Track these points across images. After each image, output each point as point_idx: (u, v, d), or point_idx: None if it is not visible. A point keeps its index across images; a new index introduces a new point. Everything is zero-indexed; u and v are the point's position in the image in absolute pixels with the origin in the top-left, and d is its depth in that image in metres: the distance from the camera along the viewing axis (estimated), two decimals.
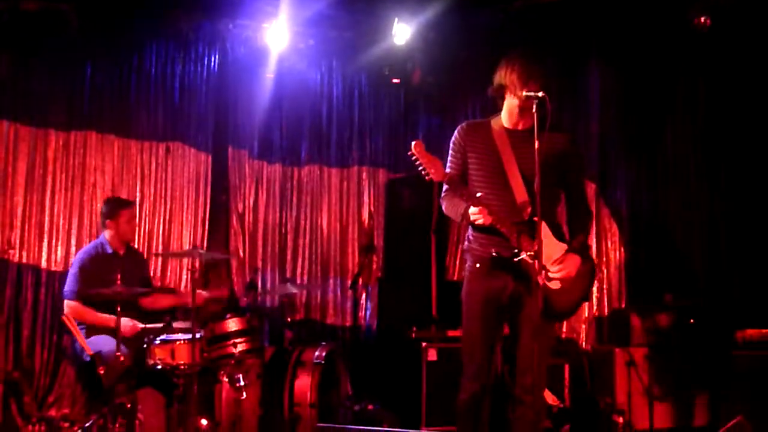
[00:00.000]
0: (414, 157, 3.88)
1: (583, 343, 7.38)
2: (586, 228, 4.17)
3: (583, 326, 7.51)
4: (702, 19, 6.55)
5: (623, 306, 7.47)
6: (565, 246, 4.00)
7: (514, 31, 7.14)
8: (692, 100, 7.61)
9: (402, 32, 6.91)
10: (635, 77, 7.60)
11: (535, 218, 3.85)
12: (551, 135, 3.89)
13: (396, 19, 6.86)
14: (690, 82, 7.57)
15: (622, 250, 7.70)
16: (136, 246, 6.71)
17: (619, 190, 7.74)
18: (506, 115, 4.12)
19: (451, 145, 4.20)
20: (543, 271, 3.86)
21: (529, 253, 3.85)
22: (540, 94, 3.95)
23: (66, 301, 5.71)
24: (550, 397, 5.87)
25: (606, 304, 7.59)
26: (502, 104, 4.14)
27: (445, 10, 6.70)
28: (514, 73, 4.02)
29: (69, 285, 5.76)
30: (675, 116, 7.66)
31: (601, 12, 7.02)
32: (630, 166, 7.72)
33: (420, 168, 3.88)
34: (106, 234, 5.92)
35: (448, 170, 4.07)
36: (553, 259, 3.93)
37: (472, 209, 3.89)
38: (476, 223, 3.91)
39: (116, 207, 5.95)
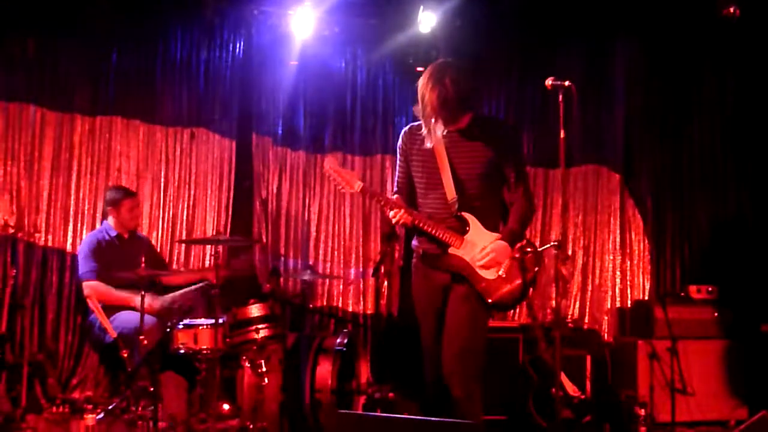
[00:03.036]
0: (329, 173, 4.10)
1: (605, 335, 7.36)
2: (519, 216, 4.09)
3: (606, 318, 7.50)
4: (731, 9, 6.49)
5: (646, 298, 7.45)
6: (496, 236, 4.03)
7: (539, 17, 7.12)
8: (720, 90, 7.56)
9: (427, 20, 6.88)
10: (662, 65, 7.56)
11: (461, 213, 4.02)
12: (488, 124, 4.09)
13: (421, 7, 6.84)
14: (718, 72, 7.52)
15: (646, 241, 7.66)
16: (159, 232, 6.79)
17: (643, 180, 7.70)
18: None
19: (397, 150, 4.30)
20: (474, 262, 3.99)
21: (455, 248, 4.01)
22: (566, 83, 3.96)
23: (84, 282, 5.76)
24: (570, 388, 5.87)
25: (629, 295, 7.58)
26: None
27: None
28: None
29: (84, 266, 5.81)
30: (702, 106, 7.61)
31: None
32: (655, 156, 7.68)
33: (335, 182, 4.11)
34: (109, 221, 6.00)
35: (397, 176, 4.31)
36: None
37: (390, 213, 4.01)
38: (398, 224, 4.02)
39: (118, 196, 6.02)
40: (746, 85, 7.40)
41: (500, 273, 4.00)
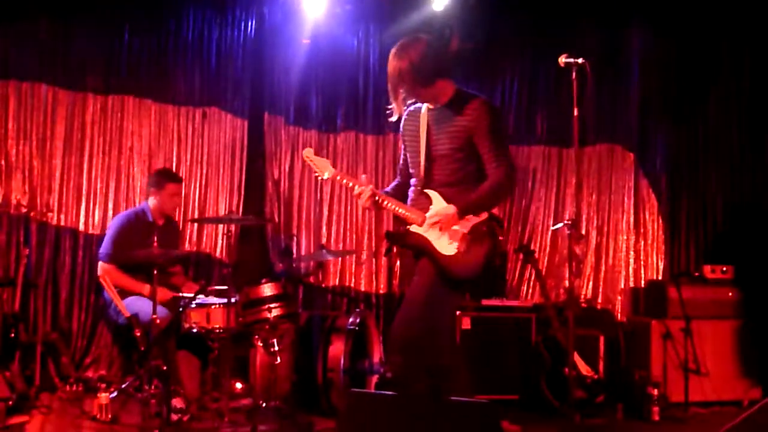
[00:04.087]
0: (306, 160, 4.23)
1: (619, 315, 7.35)
2: (482, 190, 3.97)
3: (619, 297, 7.49)
4: None
5: (660, 278, 7.42)
6: (450, 205, 3.97)
7: None
8: (737, 69, 7.49)
9: None
10: (678, 44, 7.50)
11: (425, 190, 4.03)
12: (464, 100, 4.02)
13: None
14: (735, 51, 7.44)
15: (661, 221, 7.63)
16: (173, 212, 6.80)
17: (658, 160, 7.65)
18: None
19: None
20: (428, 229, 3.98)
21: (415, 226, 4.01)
22: (579, 60, 3.93)
23: (100, 263, 5.80)
24: (583, 368, 5.86)
25: (642, 275, 7.56)
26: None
27: None
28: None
29: (104, 247, 5.85)
30: (718, 86, 7.54)
31: None
32: (670, 136, 7.63)
33: (314, 171, 4.22)
34: (150, 202, 5.99)
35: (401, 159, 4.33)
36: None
37: (355, 193, 4.10)
38: (363, 206, 4.11)
39: (164, 179, 6.02)
40: (763, 66, 7.32)
41: (459, 248, 3.94)
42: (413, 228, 4.04)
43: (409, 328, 3.96)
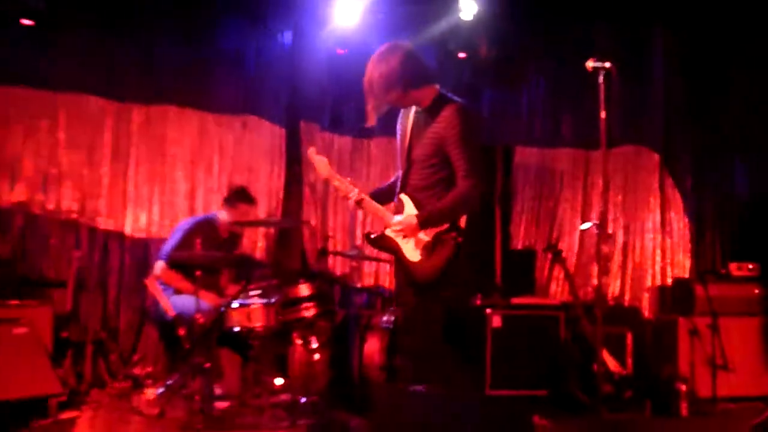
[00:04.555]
0: (310, 159, 4.19)
1: (646, 312, 7.28)
2: (445, 201, 3.84)
3: (646, 295, 7.42)
4: None
5: (687, 276, 7.33)
6: (415, 213, 3.88)
7: (577, 3, 7.01)
8: (759, 70, 7.36)
9: (468, 7, 6.81)
10: (699, 45, 7.41)
11: (399, 195, 3.96)
12: (440, 105, 3.90)
13: None
14: (757, 53, 7.32)
15: (686, 220, 7.55)
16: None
17: (683, 160, 7.58)
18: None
19: None
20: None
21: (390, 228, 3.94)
22: (606, 64, 3.89)
23: (158, 262, 5.81)
24: (612, 364, 5.80)
25: (669, 273, 7.47)
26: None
27: None
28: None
29: (166, 248, 5.86)
30: (741, 87, 7.44)
31: None
32: (694, 137, 7.56)
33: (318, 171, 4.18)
34: (220, 214, 5.95)
35: None
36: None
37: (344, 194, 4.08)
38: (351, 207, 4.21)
39: (238, 199, 5.97)
40: None
41: (421, 255, 3.86)
42: (387, 231, 3.97)
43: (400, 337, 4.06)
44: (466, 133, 3.81)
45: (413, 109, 4.05)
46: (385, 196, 4.14)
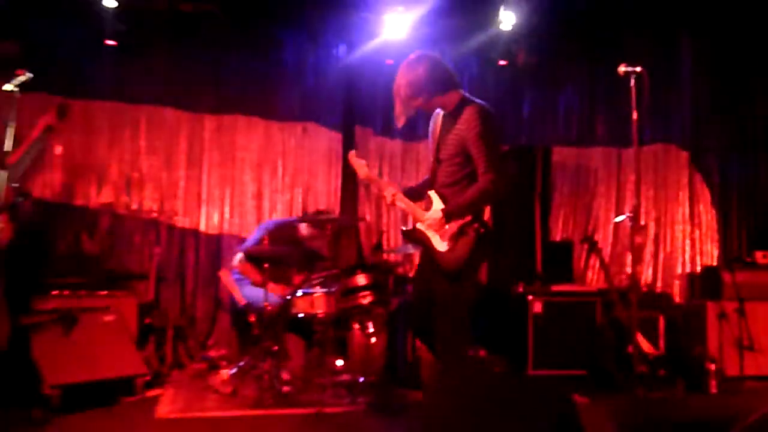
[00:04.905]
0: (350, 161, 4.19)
1: (677, 298, 7.18)
2: (466, 196, 3.85)
3: (677, 282, 7.32)
4: None
5: (715, 263, 7.21)
6: (441, 208, 3.91)
7: (608, 12, 6.92)
8: None
9: (507, 18, 6.78)
10: (725, 49, 7.27)
11: (428, 192, 3.97)
12: (463, 107, 3.88)
13: (502, 7, 6.74)
14: None
15: (714, 212, 7.43)
16: (278, 213, 6.91)
17: (710, 156, 7.46)
18: None
19: None
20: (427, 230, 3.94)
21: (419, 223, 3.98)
22: (638, 69, 3.85)
23: (239, 254, 5.88)
24: (646, 346, 5.74)
25: (698, 261, 7.36)
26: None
27: None
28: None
29: (247, 242, 5.95)
30: (765, 83, 7.27)
31: None
32: (721, 134, 7.42)
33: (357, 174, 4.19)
34: (302, 227, 5.95)
35: None
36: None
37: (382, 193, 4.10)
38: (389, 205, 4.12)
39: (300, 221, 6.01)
40: None
41: (448, 246, 3.89)
42: (418, 225, 4.01)
43: (423, 319, 4.01)
44: (485, 132, 3.80)
45: (441, 113, 4.05)
46: (417, 193, 4.15)
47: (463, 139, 3.85)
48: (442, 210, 3.88)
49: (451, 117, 3.95)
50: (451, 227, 3.88)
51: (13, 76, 3.38)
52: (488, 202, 3.93)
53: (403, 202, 4.04)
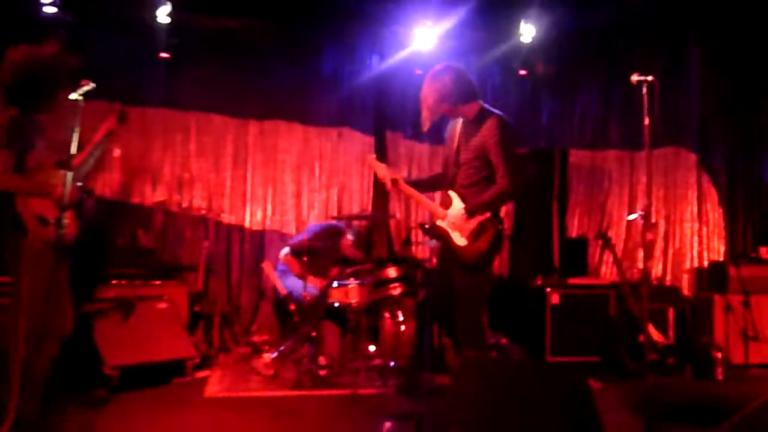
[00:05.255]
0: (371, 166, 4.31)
1: (685, 291, 7.09)
2: (487, 195, 3.92)
3: (685, 276, 7.22)
4: None
5: (721, 259, 7.11)
6: (463, 206, 3.97)
7: (621, 25, 6.85)
8: None
9: (527, 31, 6.74)
10: (731, 58, 7.15)
11: (448, 191, 4.02)
12: (483, 116, 3.95)
13: (522, 20, 6.70)
14: None
15: (721, 210, 7.32)
16: (316, 210, 6.93)
17: (717, 158, 7.35)
18: None
19: None
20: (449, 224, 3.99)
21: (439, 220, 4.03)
22: (649, 78, 3.81)
23: (285, 249, 5.91)
24: (656, 335, 5.68)
25: (705, 257, 7.26)
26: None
27: (564, 11, 6.49)
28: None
29: (293, 239, 5.99)
30: None
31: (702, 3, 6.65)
32: (727, 137, 7.31)
33: (376, 174, 4.27)
34: (349, 234, 5.96)
35: None
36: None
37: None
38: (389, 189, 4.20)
39: (342, 228, 5.99)
40: None
41: (467, 240, 3.94)
42: (438, 222, 4.07)
43: (443, 311, 4.08)
44: (504, 141, 3.87)
45: (460, 121, 4.09)
46: (424, 184, 4.28)
47: (483, 146, 3.92)
48: (464, 207, 3.94)
49: (472, 125, 3.99)
50: (471, 223, 3.94)
51: (78, 86, 3.42)
52: (505, 202, 4.03)
53: (404, 188, 4.14)
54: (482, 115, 3.98)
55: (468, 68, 7.19)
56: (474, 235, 3.93)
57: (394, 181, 4.13)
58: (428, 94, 3.99)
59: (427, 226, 4.18)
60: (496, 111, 3.99)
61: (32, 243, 3.84)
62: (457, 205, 3.99)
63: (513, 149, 3.95)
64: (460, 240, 3.97)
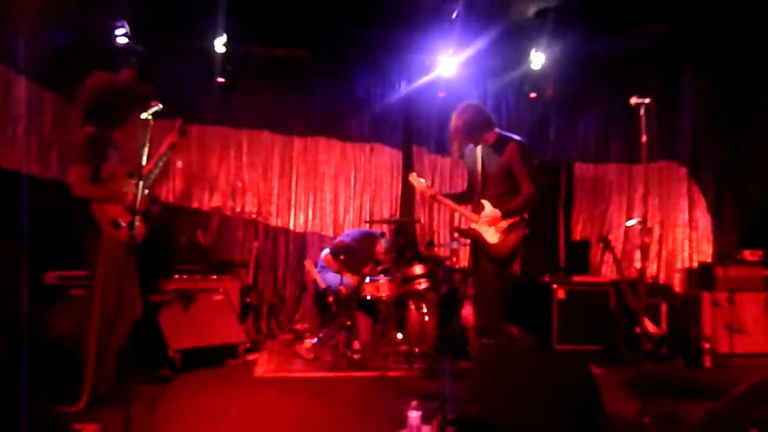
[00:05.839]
0: (410, 181, 4.53)
1: (677, 288, 6.98)
2: (515, 202, 4.19)
3: (677, 275, 7.11)
4: None
5: (709, 260, 6.99)
6: (497, 210, 4.19)
7: (622, 52, 6.77)
8: None
9: (537, 58, 6.70)
10: (723, 81, 7.02)
11: (482, 200, 4.25)
12: (503, 141, 4.24)
13: (533, 49, 6.66)
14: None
15: (709, 217, 7.19)
16: (351, 215, 6.93)
17: (706, 171, 7.22)
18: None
19: None
20: (481, 223, 4.22)
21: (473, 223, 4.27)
22: (647, 100, 3.77)
23: (327, 249, 5.92)
24: (651, 327, 5.60)
25: (695, 258, 7.14)
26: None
27: (572, 40, 6.44)
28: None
29: (335, 241, 6.02)
30: (755, 112, 7.02)
31: (696, 33, 6.53)
32: (716, 152, 7.18)
33: (415, 189, 4.50)
34: (383, 241, 5.93)
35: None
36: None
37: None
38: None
39: (376, 238, 5.93)
40: None
41: (499, 238, 4.17)
42: (472, 225, 4.29)
43: (482, 302, 4.24)
44: (525, 159, 4.20)
45: (479, 146, 4.35)
46: (457, 197, 4.50)
47: (508, 165, 4.21)
48: (501, 210, 4.17)
49: (493, 149, 4.28)
50: (504, 224, 4.18)
51: (148, 107, 3.48)
52: (532, 205, 4.23)
53: (442, 200, 4.41)
54: (501, 141, 4.25)
55: (485, 91, 7.32)
56: (506, 233, 4.17)
57: (433, 196, 4.39)
58: (458, 126, 4.27)
59: (460, 229, 4.68)
60: (512, 135, 4.28)
61: (107, 243, 3.90)
62: (490, 209, 4.20)
63: (533, 163, 4.25)
64: (493, 237, 4.19)
